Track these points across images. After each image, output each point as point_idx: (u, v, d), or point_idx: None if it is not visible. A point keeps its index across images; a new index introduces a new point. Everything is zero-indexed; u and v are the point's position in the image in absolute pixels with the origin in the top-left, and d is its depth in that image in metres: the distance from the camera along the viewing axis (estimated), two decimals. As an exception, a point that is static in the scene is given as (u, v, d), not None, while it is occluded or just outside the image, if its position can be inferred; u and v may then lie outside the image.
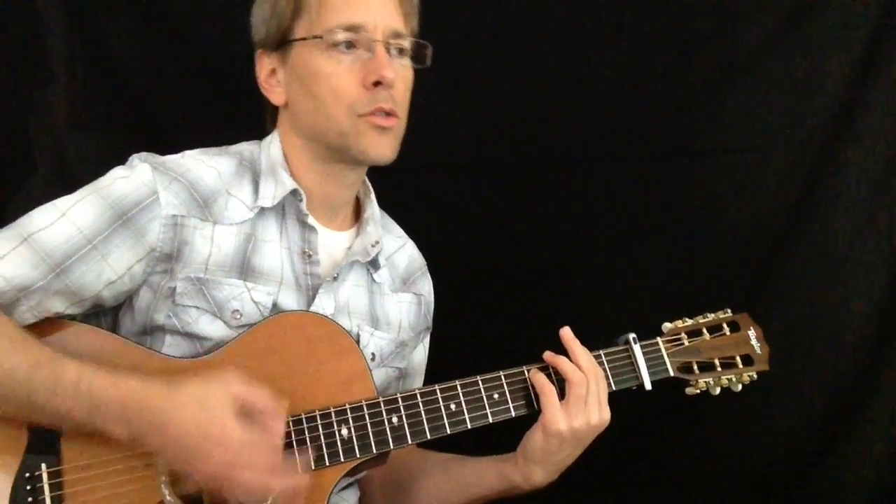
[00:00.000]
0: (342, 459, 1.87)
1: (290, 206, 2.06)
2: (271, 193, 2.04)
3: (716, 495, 3.04)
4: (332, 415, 1.88)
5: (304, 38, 2.00)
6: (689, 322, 2.21)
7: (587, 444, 2.03)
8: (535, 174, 3.09)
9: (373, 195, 2.22)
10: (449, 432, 1.95)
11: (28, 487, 1.77)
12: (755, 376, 2.20)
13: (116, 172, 1.97)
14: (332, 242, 2.13)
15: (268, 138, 2.14)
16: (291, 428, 1.86)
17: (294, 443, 1.85)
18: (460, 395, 1.97)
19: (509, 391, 2.01)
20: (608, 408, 2.03)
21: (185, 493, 1.83)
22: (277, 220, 2.06)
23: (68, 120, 2.87)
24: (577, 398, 1.98)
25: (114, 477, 1.80)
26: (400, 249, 2.31)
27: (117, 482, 1.80)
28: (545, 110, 3.06)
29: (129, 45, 2.91)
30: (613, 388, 2.08)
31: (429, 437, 1.94)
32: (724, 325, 2.22)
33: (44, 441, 1.80)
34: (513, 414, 2.00)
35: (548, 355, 2.04)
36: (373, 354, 2.11)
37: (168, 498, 1.80)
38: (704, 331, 2.20)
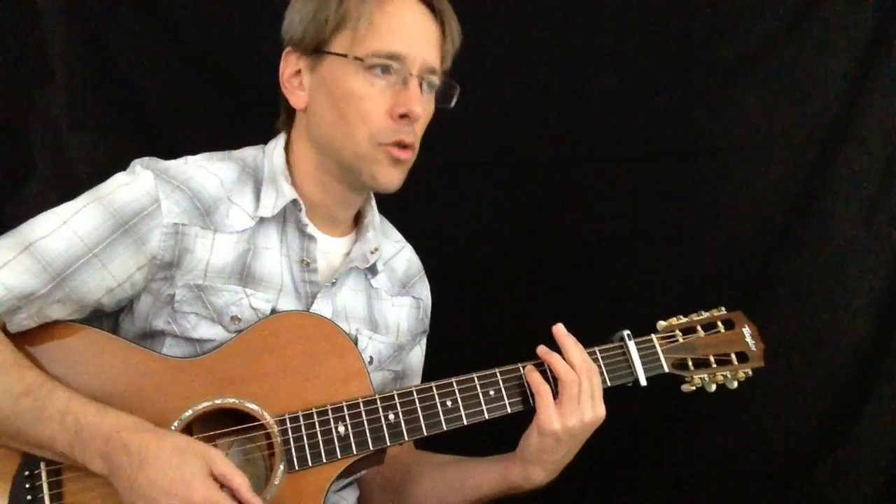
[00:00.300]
0: (339, 456, 1.87)
1: (290, 215, 2.06)
2: (271, 203, 2.03)
3: (716, 495, 3.04)
4: (329, 412, 1.89)
5: (343, 56, 1.97)
6: (684, 319, 2.21)
7: (584, 440, 2.02)
8: (535, 174, 3.09)
9: (373, 202, 2.22)
10: (445, 429, 1.95)
11: (27, 486, 1.78)
12: (750, 373, 2.19)
13: (119, 179, 1.96)
14: (331, 248, 2.13)
15: (272, 144, 2.12)
16: (288, 425, 1.87)
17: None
18: (456, 391, 1.97)
19: (505, 388, 2.01)
20: (603, 404, 2.02)
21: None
22: (278, 227, 2.05)
23: (68, 120, 2.87)
24: (571, 397, 1.98)
25: (111, 477, 1.81)
26: (398, 254, 2.31)
27: (114, 482, 1.81)
28: (545, 110, 3.07)
29: (129, 45, 2.91)
30: (608, 384, 2.08)
31: (425, 433, 1.94)
32: (719, 323, 2.22)
33: (43, 441, 1.81)
34: (508, 410, 2.00)
35: (542, 350, 2.04)
36: (371, 358, 2.11)
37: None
38: (699, 328, 2.20)
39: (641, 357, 2.11)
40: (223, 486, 1.73)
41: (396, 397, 1.94)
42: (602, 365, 2.08)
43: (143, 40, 2.92)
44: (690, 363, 2.16)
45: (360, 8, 1.95)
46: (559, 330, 2.05)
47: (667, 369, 2.14)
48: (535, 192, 3.08)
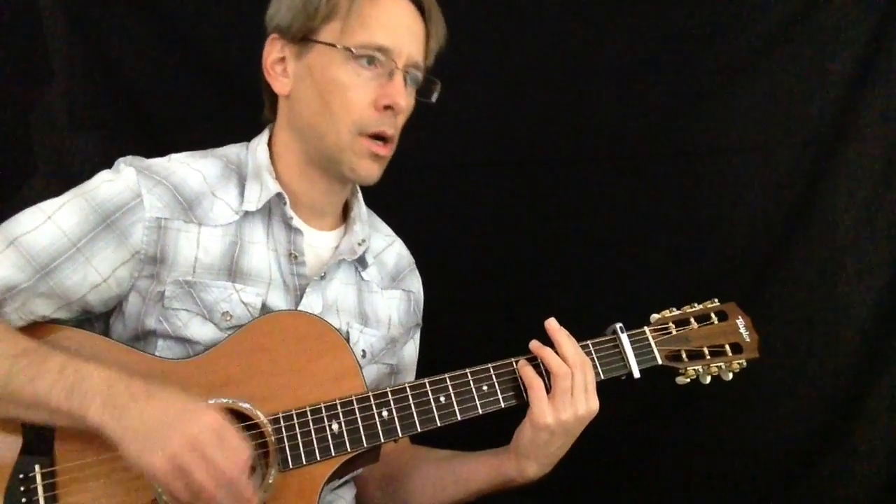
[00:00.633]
0: (333, 454, 1.87)
1: (275, 209, 2.07)
2: (256, 197, 2.05)
3: (715, 493, 3.03)
4: (323, 410, 1.89)
5: (332, 45, 1.99)
6: (677, 311, 2.20)
7: (577, 434, 2.02)
8: (535, 174, 3.09)
9: (360, 195, 2.23)
10: (439, 424, 1.95)
11: (22, 489, 1.78)
12: (745, 364, 2.18)
13: (102, 176, 1.99)
14: (319, 242, 2.13)
15: (255, 140, 2.14)
16: (282, 424, 1.87)
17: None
18: (450, 387, 1.97)
19: (498, 383, 2.01)
20: (596, 397, 2.02)
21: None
22: (263, 222, 2.06)
23: (68, 120, 2.88)
24: (563, 391, 1.97)
25: (107, 477, 1.81)
26: (388, 247, 2.32)
27: (110, 482, 1.81)
28: (545, 110, 3.06)
29: (129, 45, 2.92)
30: (602, 377, 2.07)
31: (419, 429, 1.94)
32: (712, 315, 2.21)
33: (38, 442, 1.81)
34: (502, 405, 2.00)
35: (534, 345, 2.04)
36: (363, 351, 2.12)
37: (162, 497, 1.80)
38: (692, 320, 2.19)
39: (634, 349, 2.11)
40: None
41: (390, 394, 1.94)
42: (595, 358, 2.08)
43: (143, 40, 2.93)
44: (684, 355, 2.15)
45: (352, 0, 1.98)
46: (551, 324, 2.05)
47: (660, 361, 2.13)
48: (532, 191, 3.08)
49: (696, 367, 2.15)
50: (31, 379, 1.76)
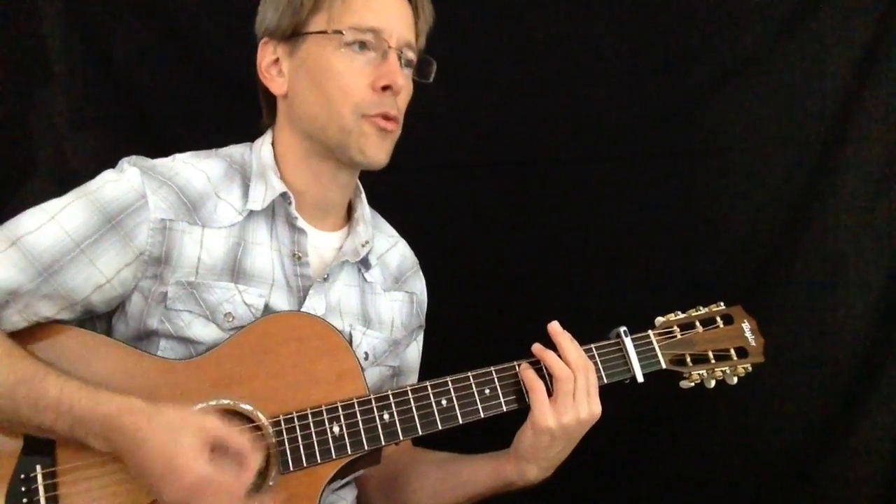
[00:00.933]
0: (334, 456, 1.87)
1: (279, 209, 2.06)
2: (261, 197, 2.04)
3: (716, 494, 3.04)
4: (324, 412, 1.88)
5: (322, 32, 2.00)
6: (682, 315, 2.19)
7: (578, 438, 2.02)
8: (534, 174, 3.09)
9: (363, 196, 2.22)
10: (440, 428, 1.95)
11: (23, 489, 1.78)
12: (750, 368, 2.17)
13: (106, 176, 1.97)
14: (323, 243, 2.13)
15: (259, 140, 2.14)
16: (283, 426, 1.87)
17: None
18: (451, 391, 1.97)
19: (500, 387, 2.01)
20: (599, 401, 2.01)
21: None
22: (267, 222, 2.06)
23: (68, 120, 2.88)
24: (565, 394, 1.97)
25: (108, 478, 1.81)
26: (392, 249, 2.31)
27: (111, 483, 1.81)
28: (545, 110, 3.06)
29: (129, 45, 2.92)
30: (605, 381, 2.07)
31: (420, 433, 1.94)
32: (718, 318, 2.20)
33: (39, 443, 1.81)
34: (504, 409, 2.00)
35: (536, 348, 2.04)
36: (366, 353, 2.12)
37: (163, 498, 1.81)
38: (697, 324, 2.18)
39: (638, 353, 2.10)
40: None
41: (391, 396, 1.94)
42: (598, 362, 2.07)
43: (143, 40, 2.93)
44: (689, 359, 2.14)
45: None
46: (554, 327, 2.05)
47: (664, 365, 2.12)
48: (533, 191, 3.07)
49: (700, 372, 2.14)
50: (35, 411, 1.77)
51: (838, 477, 2.99)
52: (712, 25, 3.05)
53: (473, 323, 2.91)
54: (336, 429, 1.88)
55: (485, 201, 3.06)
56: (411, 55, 2.06)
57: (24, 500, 1.77)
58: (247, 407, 1.87)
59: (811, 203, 3.04)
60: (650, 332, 2.15)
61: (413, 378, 2.31)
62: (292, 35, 2.04)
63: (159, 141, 2.91)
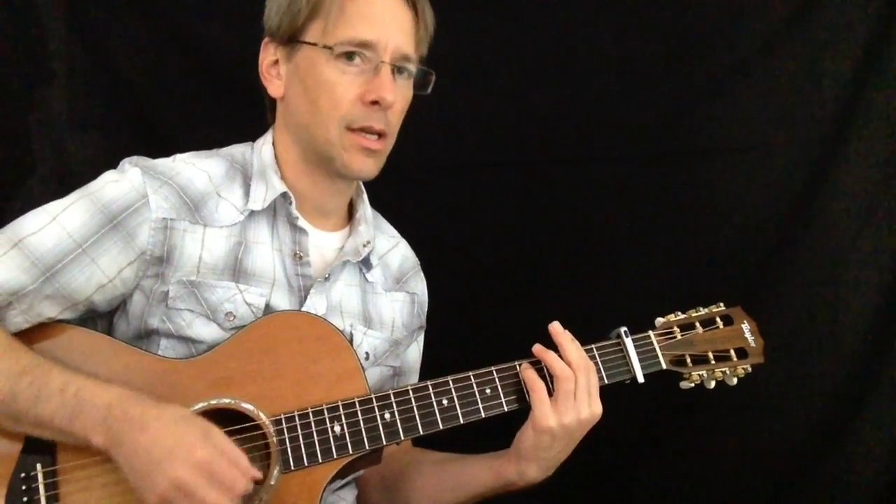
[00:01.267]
0: (335, 456, 1.87)
1: (280, 208, 2.06)
2: (261, 196, 2.04)
3: (716, 494, 3.04)
4: (325, 412, 1.88)
5: (314, 44, 1.99)
6: (682, 316, 2.19)
7: (579, 438, 2.01)
8: (535, 174, 3.09)
9: (365, 196, 2.22)
10: (441, 427, 1.95)
11: (23, 488, 1.78)
12: (750, 369, 2.17)
13: (107, 176, 1.97)
14: (324, 243, 2.13)
15: (260, 140, 2.14)
16: (284, 425, 1.86)
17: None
18: (452, 390, 1.96)
19: (501, 386, 2.00)
20: (599, 402, 2.01)
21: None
22: (268, 221, 2.06)
23: (68, 120, 2.88)
24: (566, 394, 1.97)
25: (108, 477, 1.81)
26: (393, 249, 2.31)
27: (111, 482, 1.81)
28: (545, 110, 3.06)
29: (129, 45, 2.92)
30: (605, 381, 2.06)
31: (421, 432, 1.94)
32: (718, 319, 2.20)
33: (40, 441, 1.81)
34: (505, 409, 1.99)
35: (537, 348, 2.03)
36: (367, 353, 2.11)
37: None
38: (697, 324, 2.18)
39: (639, 354, 2.10)
40: None
41: (392, 396, 1.93)
42: (599, 362, 2.07)
43: (143, 40, 2.93)
44: (689, 360, 2.14)
45: None
46: (555, 327, 2.04)
47: (664, 366, 2.12)
48: (533, 191, 3.08)
49: (700, 372, 2.14)
50: (35, 401, 1.77)
51: (838, 477, 3.00)
52: (712, 25, 3.06)
53: (474, 323, 2.92)
54: (337, 428, 1.88)
55: (485, 201, 3.07)
56: (409, 66, 2.04)
57: (25, 499, 1.77)
58: (248, 406, 1.86)
59: (811, 203, 3.05)
60: (650, 333, 2.15)
61: (414, 378, 2.31)
62: (290, 40, 2.03)
63: (159, 141, 2.91)
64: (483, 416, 1.98)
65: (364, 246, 2.14)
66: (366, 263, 2.17)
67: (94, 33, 2.89)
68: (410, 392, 1.95)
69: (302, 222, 2.07)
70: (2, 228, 1.92)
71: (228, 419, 1.86)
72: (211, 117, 2.94)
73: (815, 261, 3.04)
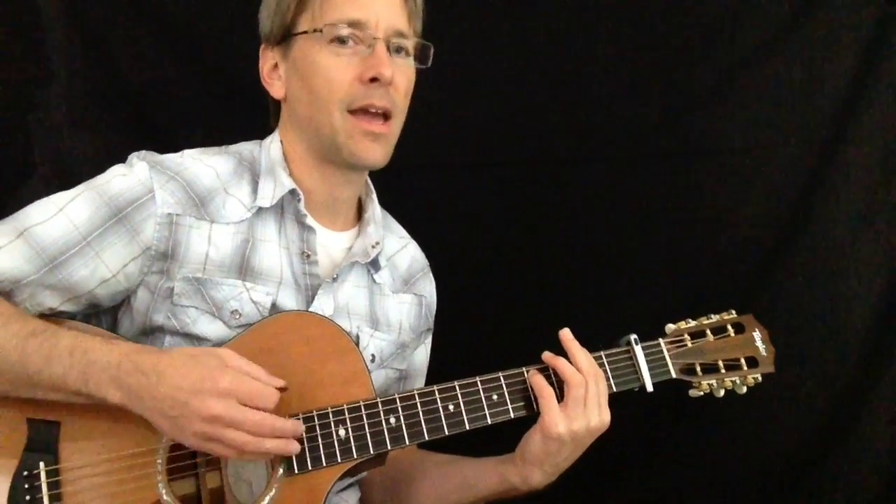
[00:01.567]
0: (339, 460, 1.87)
1: (288, 206, 2.06)
2: (269, 193, 2.04)
3: (716, 494, 3.04)
4: (330, 415, 1.88)
5: (305, 32, 2.00)
6: (693, 323, 2.18)
7: (586, 446, 2.02)
8: (536, 174, 3.09)
9: (374, 195, 2.22)
10: (447, 433, 1.95)
11: (26, 486, 1.79)
12: (760, 378, 2.17)
13: (115, 170, 1.99)
14: (332, 243, 2.13)
15: (269, 138, 2.14)
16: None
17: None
18: (459, 396, 1.96)
19: (508, 392, 2.00)
20: (608, 410, 2.01)
21: (183, 493, 1.84)
22: (276, 219, 2.06)
23: (68, 120, 2.87)
24: (576, 400, 1.97)
25: (111, 476, 1.82)
26: (402, 250, 2.31)
27: (114, 482, 1.81)
28: (545, 110, 3.06)
29: (129, 45, 2.91)
30: (614, 389, 2.06)
31: (426, 438, 1.94)
32: (729, 327, 2.19)
33: (42, 440, 1.82)
34: (512, 415, 1.99)
35: (547, 356, 2.03)
36: (373, 356, 2.12)
37: (165, 497, 1.81)
38: (708, 332, 2.17)
39: (648, 362, 2.10)
40: None
41: (398, 400, 1.93)
42: (608, 370, 2.07)
43: (143, 40, 2.92)
44: (699, 368, 2.13)
45: None
46: (565, 334, 2.05)
47: (674, 375, 2.12)
48: (535, 191, 3.07)
49: (710, 381, 2.14)
50: (46, 362, 1.78)
51: (838, 477, 3.00)
52: (712, 25, 3.05)
53: (480, 328, 2.91)
54: (342, 432, 1.88)
55: (488, 202, 3.06)
56: (405, 42, 2.05)
57: (28, 497, 1.78)
58: None
59: (811, 203, 3.04)
60: (660, 341, 2.14)
61: (420, 381, 2.31)
62: (283, 38, 2.05)
63: (158, 141, 2.86)
64: (489, 422, 1.98)
65: (373, 247, 2.14)
66: (374, 264, 2.17)
67: (94, 33, 2.88)
68: (416, 396, 1.94)
69: (310, 220, 2.06)
70: (8, 217, 1.93)
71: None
72: (210, 117, 2.93)
73: (815, 261, 3.03)
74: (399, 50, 2.04)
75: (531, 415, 2.00)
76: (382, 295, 2.20)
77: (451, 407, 1.95)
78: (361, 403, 1.91)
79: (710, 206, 3.08)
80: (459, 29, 2.89)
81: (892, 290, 2.99)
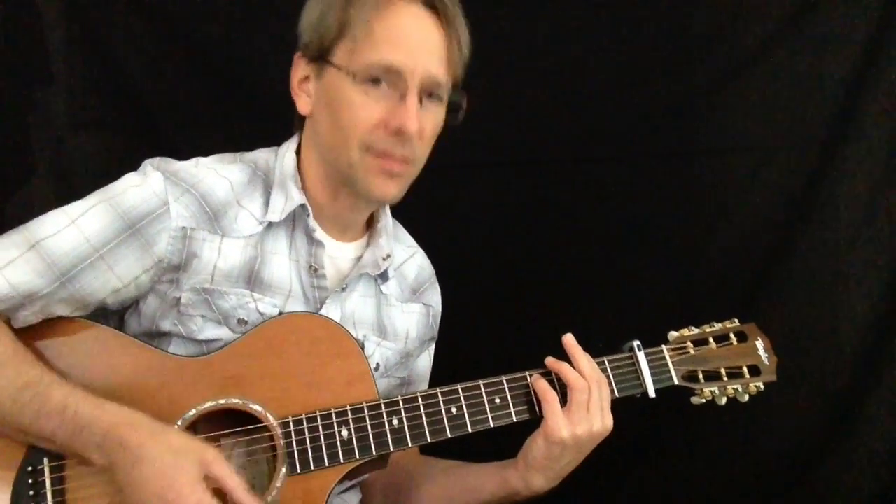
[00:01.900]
0: (341, 460, 1.87)
1: (299, 220, 2.04)
2: (280, 207, 2.01)
3: (716, 495, 3.04)
4: (333, 415, 1.88)
5: (339, 67, 1.92)
6: (696, 331, 2.17)
7: (588, 451, 2.01)
8: (536, 174, 3.09)
9: (387, 206, 2.17)
10: (449, 435, 1.94)
11: (30, 481, 1.79)
12: (762, 387, 2.16)
13: (129, 180, 1.94)
14: (339, 253, 2.11)
15: (284, 146, 2.10)
16: (292, 428, 1.86)
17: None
18: (461, 398, 1.96)
19: (511, 396, 1.99)
20: (611, 416, 2.00)
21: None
22: (287, 232, 2.04)
23: (68, 120, 2.87)
24: (579, 405, 1.96)
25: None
26: (410, 259, 2.29)
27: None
28: (545, 110, 3.06)
29: (129, 45, 2.90)
30: (617, 395, 2.06)
31: (429, 439, 1.93)
32: (731, 335, 2.18)
33: (46, 437, 1.82)
34: (514, 419, 1.99)
35: (550, 361, 2.02)
36: (377, 364, 2.10)
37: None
38: (711, 340, 2.16)
39: (651, 368, 2.09)
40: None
41: (401, 402, 1.93)
42: (611, 375, 2.06)
43: (143, 40, 2.92)
44: (701, 376, 2.13)
45: (360, 16, 1.90)
46: (569, 339, 2.04)
47: (677, 381, 2.11)
48: (536, 192, 3.07)
49: (712, 389, 2.13)
50: (37, 416, 1.77)
51: (838, 477, 3.01)
52: (712, 25, 3.06)
53: (482, 331, 2.90)
54: (344, 432, 1.88)
55: (489, 204, 3.07)
56: (440, 93, 1.97)
57: (31, 493, 1.78)
58: (256, 408, 1.86)
59: (811, 203, 3.05)
60: (663, 347, 2.14)
61: (422, 387, 2.29)
62: (318, 58, 1.97)
63: (159, 141, 2.90)
64: (492, 425, 1.97)
65: (384, 259, 2.12)
66: (382, 275, 2.15)
67: (94, 33, 2.88)
68: (419, 398, 1.94)
69: (319, 234, 2.03)
70: (19, 227, 1.90)
71: (237, 419, 1.87)
72: (211, 117, 2.94)
73: (815, 261, 3.04)
74: (430, 95, 1.96)
75: (533, 418, 1.99)
76: (389, 305, 2.18)
77: (453, 409, 1.95)
78: (364, 404, 1.91)
79: (709, 206, 3.09)
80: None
81: (892, 290, 3.00)
